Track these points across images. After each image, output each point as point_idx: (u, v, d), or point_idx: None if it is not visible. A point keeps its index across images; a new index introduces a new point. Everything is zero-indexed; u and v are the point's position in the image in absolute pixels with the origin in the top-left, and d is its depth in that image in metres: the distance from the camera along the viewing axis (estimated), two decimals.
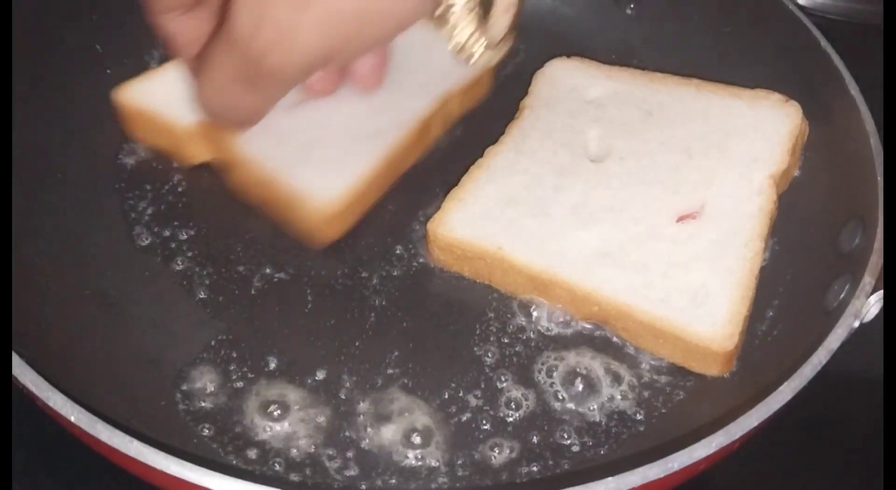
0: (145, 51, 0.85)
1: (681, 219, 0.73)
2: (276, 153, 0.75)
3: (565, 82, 0.84)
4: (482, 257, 0.72)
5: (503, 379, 0.69)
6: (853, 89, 0.74)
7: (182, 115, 0.77)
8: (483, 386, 0.69)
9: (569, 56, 0.89)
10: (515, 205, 0.74)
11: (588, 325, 0.71)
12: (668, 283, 0.69)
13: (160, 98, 0.79)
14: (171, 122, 0.78)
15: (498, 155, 0.78)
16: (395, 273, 0.75)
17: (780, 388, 0.56)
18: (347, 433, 0.66)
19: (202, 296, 0.73)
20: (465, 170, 0.78)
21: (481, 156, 0.79)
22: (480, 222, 0.73)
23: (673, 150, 0.77)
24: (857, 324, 0.62)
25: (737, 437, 0.54)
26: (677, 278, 0.70)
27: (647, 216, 0.73)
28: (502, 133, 0.80)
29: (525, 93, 0.84)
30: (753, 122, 0.78)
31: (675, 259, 0.71)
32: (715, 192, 0.75)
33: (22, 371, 0.56)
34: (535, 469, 0.65)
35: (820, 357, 0.58)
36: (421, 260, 0.75)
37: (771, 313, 0.72)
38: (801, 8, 0.82)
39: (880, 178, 0.68)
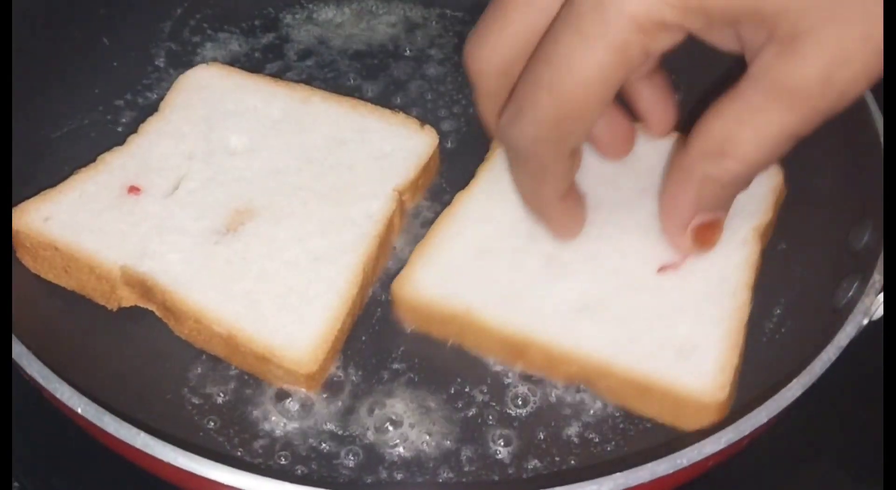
0: (151, 44, 0.85)
1: (662, 269, 0.68)
2: (226, 300, 0.66)
3: None
4: (451, 319, 0.67)
5: (510, 374, 0.69)
6: None
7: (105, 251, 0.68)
8: (489, 381, 0.68)
9: None
10: (486, 257, 0.69)
11: None
12: (652, 338, 0.65)
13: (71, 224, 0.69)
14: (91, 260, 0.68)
15: (467, 202, 0.73)
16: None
17: (790, 384, 0.56)
18: (353, 427, 0.66)
19: None
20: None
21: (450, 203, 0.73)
22: (448, 280, 0.68)
23: (651, 196, 0.71)
24: (866, 321, 0.61)
25: (746, 433, 0.54)
26: (662, 332, 0.65)
27: (627, 266, 0.68)
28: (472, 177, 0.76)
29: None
30: None
31: (658, 312, 0.66)
32: None
33: (29, 362, 0.55)
34: (541, 464, 0.64)
35: (829, 354, 0.58)
36: None
37: (779, 311, 0.72)
38: None
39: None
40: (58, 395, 0.54)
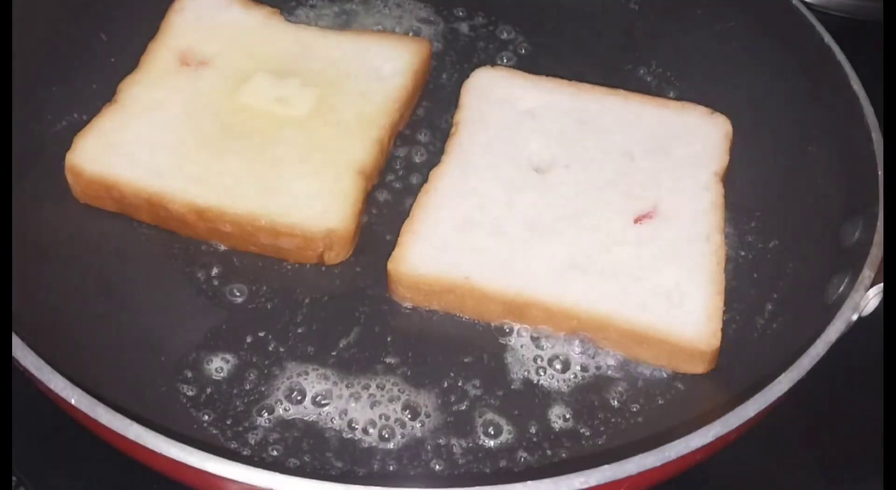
0: (149, 40, 0.85)
1: (638, 219, 0.73)
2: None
3: (495, 94, 0.82)
4: (451, 290, 0.70)
5: (503, 369, 0.69)
6: (855, 84, 0.74)
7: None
8: (483, 376, 0.69)
9: (568, 48, 0.90)
10: (473, 228, 0.73)
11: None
12: (642, 287, 0.69)
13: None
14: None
15: (443, 177, 0.76)
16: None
17: (778, 379, 0.56)
18: (346, 420, 0.66)
19: (204, 283, 0.73)
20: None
21: (426, 179, 0.77)
22: (442, 254, 0.71)
23: (615, 154, 0.77)
24: (855, 317, 0.62)
25: (733, 427, 0.54)
26: (650, 280, 0.70)
27: (605, 221, 0.73)
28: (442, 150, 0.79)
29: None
30: (686, 129, 0.79)
31: (642, 262, 0.71)
32: (666, 191, 0.75)
33: (23, 354, 0.56)
34: (532, 457, 0.65)
35: (818, 349, 0.58)
36: None
37: (770, 307, 0.72)
38: (806, 5, 0.82)
39: (881, 173, 0.68)
40: (51, 387, 0.54)
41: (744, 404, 0.55)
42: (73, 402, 0.53)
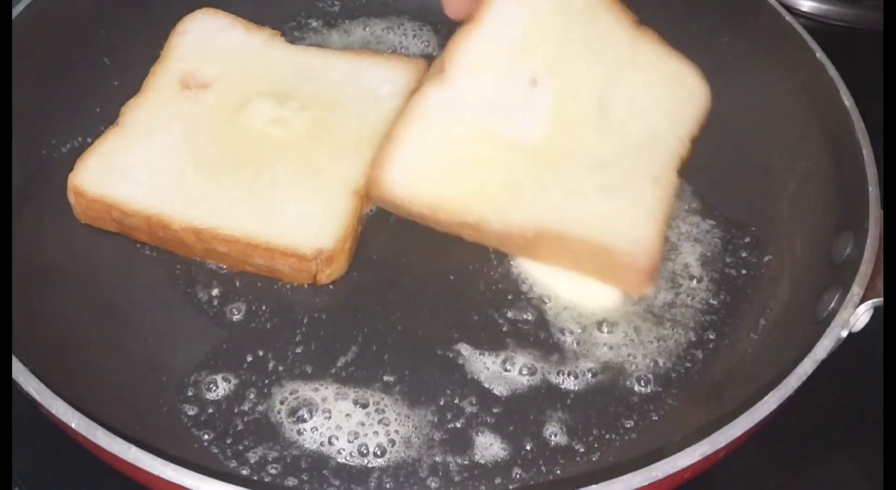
0: (152, 63, 0.87)
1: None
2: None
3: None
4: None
5: (497, 387, 0.70)
6: (847, 100, 0.75)
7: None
8: (478, 393, 0.70)
9: None
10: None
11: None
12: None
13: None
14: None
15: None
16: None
17: (765, 398, 0.57)
18: (344, 438, 0.67)
19: (205, 303, 0.75)
20: None
21: None
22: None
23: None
24: (845, 333, 0.62)
25: (721, 446, 0.55)
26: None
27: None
28: None
29: None
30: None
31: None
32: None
33: (26, 379, 0.57)
34: (526, 474, 0.66)
35: (806, 367, 0.59)
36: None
37: (763, 322, 0.73)
38: (802, 14, 0.82)
39: (872, 190, 0.69)
40: (52, 411, 0.56)
41: (731, 423, 0.56)
42: (73, 425, 0.54)
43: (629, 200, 0.73)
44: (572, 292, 0.75)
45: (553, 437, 0.68)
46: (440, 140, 0.74)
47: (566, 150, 0.75)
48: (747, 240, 0.79)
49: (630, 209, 0.72)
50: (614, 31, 0.79)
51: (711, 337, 0.73)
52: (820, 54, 0.79)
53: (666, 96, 0.79)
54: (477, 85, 0.75)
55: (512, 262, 0.77)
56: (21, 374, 0.57)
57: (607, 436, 0.68)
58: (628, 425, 0.68)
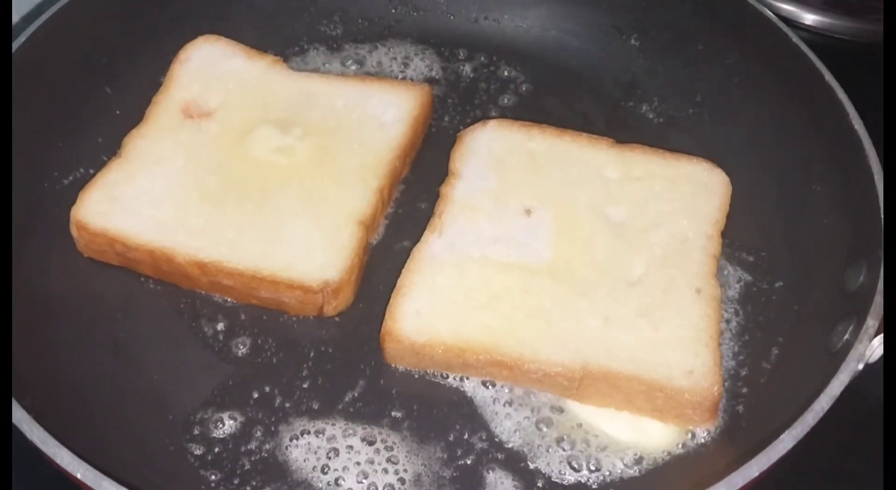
0: (153, 92, 0.86)
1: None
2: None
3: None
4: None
5: (509, 422, 0.69)
6: (857, 124, 0.74)
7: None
8: (488, 429, 0.69)
9: (570, 87, 0.90)
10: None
11: None
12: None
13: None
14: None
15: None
16: None
17: (781, 437, 0.56)
18: (353, 477, 0.66)
19: (211, 337, 0.74)
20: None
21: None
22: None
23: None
24: (861, 367, 0.61)
25: (737, 487, 0.54)
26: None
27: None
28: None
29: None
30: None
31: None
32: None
33: (30, 428, 0.56)
34: None
35: (822, 404, 0.58)
36: None
37: (776, 351, 0.72)
38: (805, 28, 0.81)
39: (882, 216, 0.68)
40: (58, 461, 0.55)
41: (747, 464, 0.55)
42: (78, 476, 0.53)
43: (674, 323, 0.70)
44: (626, 433, 0.68)
45: (565, 474, 0.67)
46: (451, 280, 0.73)
47: (586, 269, 0.73)
48: (758, 264, 0.78)
49: (678, 334, 0.69)
50: (592, 157, 0.80)
51: (724, 364, 0.72)
52: (829, 77, 0.78)
53: (679, 198, 0.78)
54: (473, 226, 0.76)
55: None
56: (24, 423, 0.56)
57: (620, 472, 0.67)
58: (642, 461, 0.67)
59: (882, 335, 0.61)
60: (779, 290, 0.76)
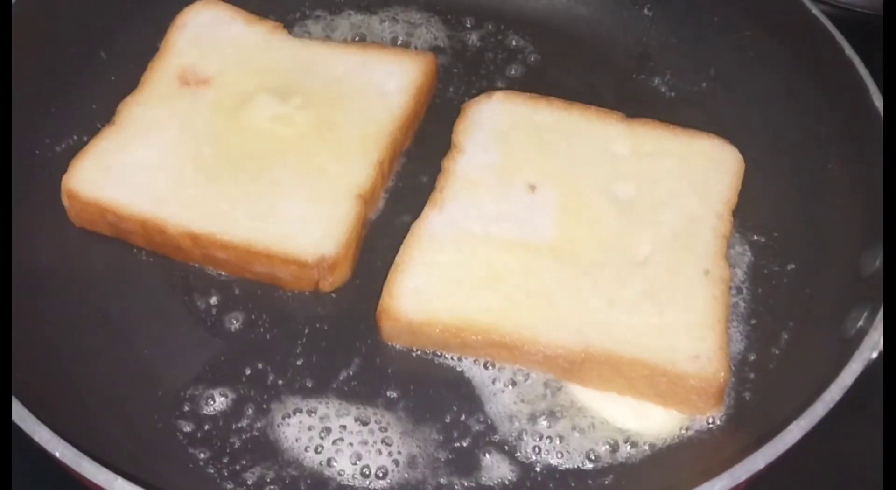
0: (149, 58, 0.83)
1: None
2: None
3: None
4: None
5: (507, 404, 0.67)
6: (878, 100, 0.71)
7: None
8: (486, 411, 0.67)
9: (579, 58, 0.88)
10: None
11: None
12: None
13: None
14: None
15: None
16: None
17: (789, 427, 0.54)
18: (346, 459, 0.64)
19: (203, 312, 0.72)
20: None
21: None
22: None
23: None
24: (875, 355, 0.59)
25: (742, 479, 0.52)
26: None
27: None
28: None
29: None
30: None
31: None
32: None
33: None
34: None
35: (833, 394, 0.56)
36: None
37: (786, 336, 0.70)
38: (825, 1, 0.78)
39: None
40: (36, 438, 0.53)
41: (752, 455, 0.52)
42: (57, 454, 0.52)
43: (681, 306, 0.67)
44: (627, 419, 0.66)
45: (566, 462, 0.65)
46: (450, 258, 0.70)
47: (590, 249, 0.70)
48: (769, 244, 0.76)
49: (683, 317, 0.66)
50: (600, 132, 0.78)
51: (731, 349, 0.70)
52: (849, 51, 0.75)
53: (689, 175, 0.75)
54: (476, 201, 0.73)
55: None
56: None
57: (620, 458, 0.65)
58: (644, 447, 0.65)
59: None
60: (790, 272, 0.74)
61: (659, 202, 0.73)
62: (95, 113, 0.81)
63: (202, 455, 0.65)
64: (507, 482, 0.64)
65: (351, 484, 0.63)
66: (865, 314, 0.62)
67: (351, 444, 0.65)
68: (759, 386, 0.67)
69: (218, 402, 0.67)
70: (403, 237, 0.73)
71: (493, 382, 0.68)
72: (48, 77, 0.80)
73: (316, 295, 0.73)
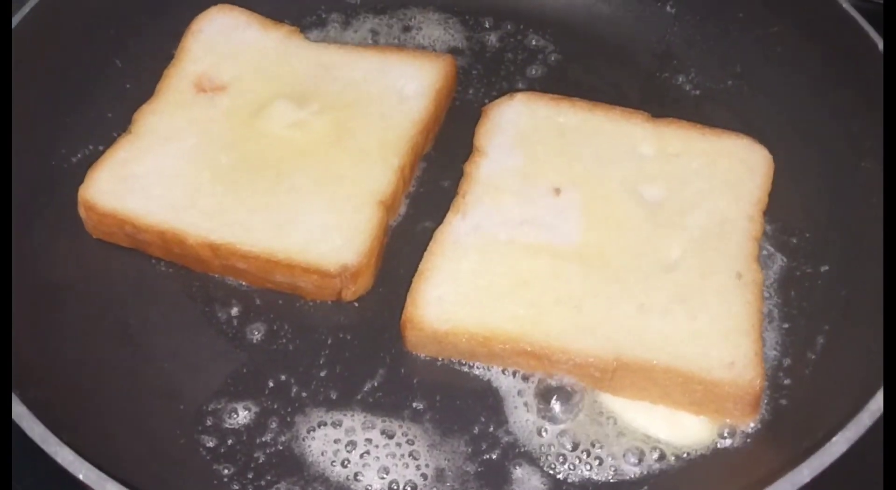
0: (164, 65, 0.82)
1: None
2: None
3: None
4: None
5: (536, 415, 0.66)
6: None
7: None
8: (513, 422, 0.65)
9: (601, 57, 0.86)
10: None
11: None
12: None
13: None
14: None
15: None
16: None
17: (834, 439, 0.52)
18: (372, 473, 0.63)
19: (224, 323, 0.71)
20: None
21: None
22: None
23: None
24: None
25: None
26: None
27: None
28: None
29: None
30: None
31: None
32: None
33: (30, 425, 0.53)
34: None
35: (878, 402, 0.54)
36: None
37: (822, 340, 0.68)
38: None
39: None
40: (58, 460, 0.52)
41: (798, 468, 0.51)
42: (80, 477, 0.50)
43: (713, 311, 0.65)
44: (660, 428, 0.64)
45: (595, 472, 0.63)
46: (475, 264, 0.69)
47: (619, 253, 0.69)
48: (802, 245, 0.74)
49: (717, 323, 0.65)
50: (626, 132, 0.76)
51: (765, 354, 0.68)
52: (882, 46, 0.73)
53: (718, 176, 0.73)
54: (499, 206, 0.72)
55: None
56: (24, 419, 0.53)
57: (655, 467, 0.63)
58: (678, 457, 0.63)
59: None
60: (824, 274, 0.72)
61: (688, 204, 0.72)
62: (111, 122, 0.80)
63: (226, 471, 0.63)
64: None
65: None
66: None
67: (378, 458, 0.64)
68: (796, 392, 0.65)
69: (241, 415, 0.66)
70: (426, 243, 0.71)
71: (522, 393, 0.67)
72: (62, 86, 0.79)
73: (338, 304, 0.72)
